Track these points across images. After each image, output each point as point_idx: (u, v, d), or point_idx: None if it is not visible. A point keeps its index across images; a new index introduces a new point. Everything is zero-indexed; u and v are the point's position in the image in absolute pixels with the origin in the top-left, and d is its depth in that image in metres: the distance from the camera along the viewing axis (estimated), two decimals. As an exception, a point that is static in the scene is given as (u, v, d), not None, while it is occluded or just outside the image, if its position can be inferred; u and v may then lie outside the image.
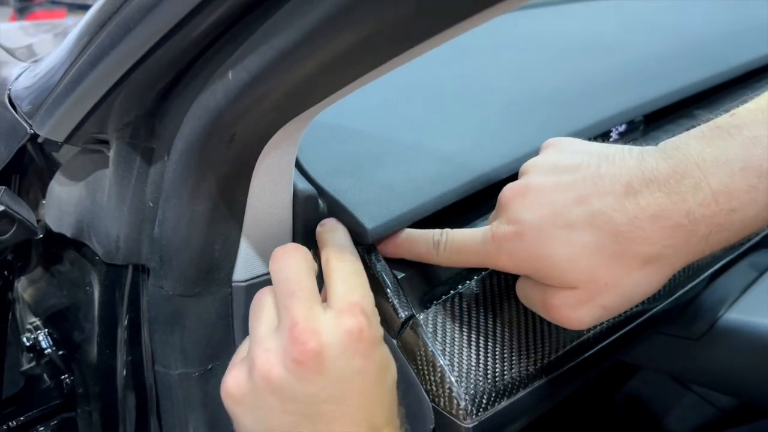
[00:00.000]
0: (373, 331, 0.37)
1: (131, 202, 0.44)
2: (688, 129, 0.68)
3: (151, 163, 0.43)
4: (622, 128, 0.65)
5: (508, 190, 0.40)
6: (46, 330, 0.57)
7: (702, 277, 0.54)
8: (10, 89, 0.53)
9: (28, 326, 0.59)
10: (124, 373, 0.49)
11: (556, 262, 0.36)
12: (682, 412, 0.88)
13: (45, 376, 0.56)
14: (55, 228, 0.52)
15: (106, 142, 0.44)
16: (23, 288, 0.60)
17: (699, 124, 0.70)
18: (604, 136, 0.63)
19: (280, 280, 0.38)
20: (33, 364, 0.57)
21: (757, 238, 0.61)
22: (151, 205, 0.43)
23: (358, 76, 0.32)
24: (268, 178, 0.42)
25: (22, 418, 0.52)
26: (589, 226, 0.35)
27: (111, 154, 0.44)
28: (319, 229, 0.44)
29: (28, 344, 0.57)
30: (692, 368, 0.57)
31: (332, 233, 0.43)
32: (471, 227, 0.51)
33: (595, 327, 0.47)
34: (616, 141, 0.65)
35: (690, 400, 0.90)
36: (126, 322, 0.48)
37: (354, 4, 0.27)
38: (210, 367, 0.45)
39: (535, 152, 0.43)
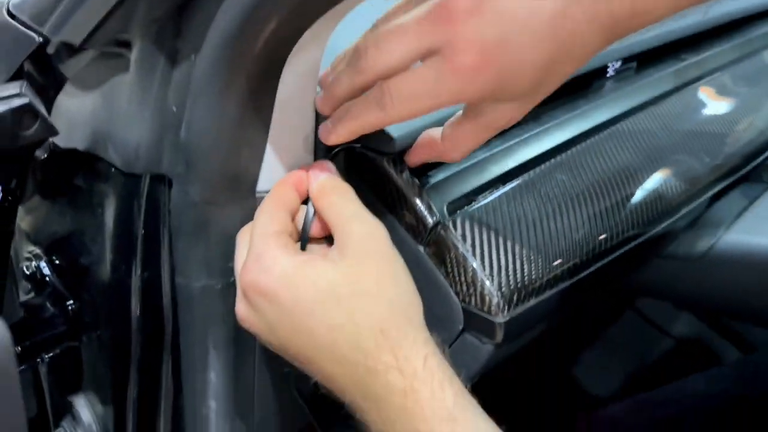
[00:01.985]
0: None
1: (153, 106, 0.43)
2: (676, 71, 0.71)
3: (175, 65, 0.41)
4: (618, 65, 0.67)
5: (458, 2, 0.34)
6: (47, 258, 0.56)
7: (702, 199, 0.56)
8: (8, 2, 0.51)
9: (27, 255, 0.57)
10: (139, 291, 0.48)
11: (521, 73, 0.35)
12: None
13: (48, 304, 0.54)
14: (63, 144, 0.50)
15: (126, 45, 0.43)
16: (20, 218, 0.58)
17: (685, 67, 0.72)
18: (601, 71, 0.65)
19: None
20: (34, 294, 0.55)
21: (744, 171, 0.64)
22: (175, 109, 0.42)
23: None
24: (294, 83, 0.41)
25: (27, 343, 0.51)
26: (550, 35, 0.34)
27: (133, 56, 0.43)
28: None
29: (28, 272, 0.55)
30: (692, 290, 0.59)
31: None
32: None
33: (611, 239, 0.48)
34: (611, 77, 0.67)
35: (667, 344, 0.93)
36: (142, 236, 0.46)
37: None
38: (232, 279, 0.45)
39: None
